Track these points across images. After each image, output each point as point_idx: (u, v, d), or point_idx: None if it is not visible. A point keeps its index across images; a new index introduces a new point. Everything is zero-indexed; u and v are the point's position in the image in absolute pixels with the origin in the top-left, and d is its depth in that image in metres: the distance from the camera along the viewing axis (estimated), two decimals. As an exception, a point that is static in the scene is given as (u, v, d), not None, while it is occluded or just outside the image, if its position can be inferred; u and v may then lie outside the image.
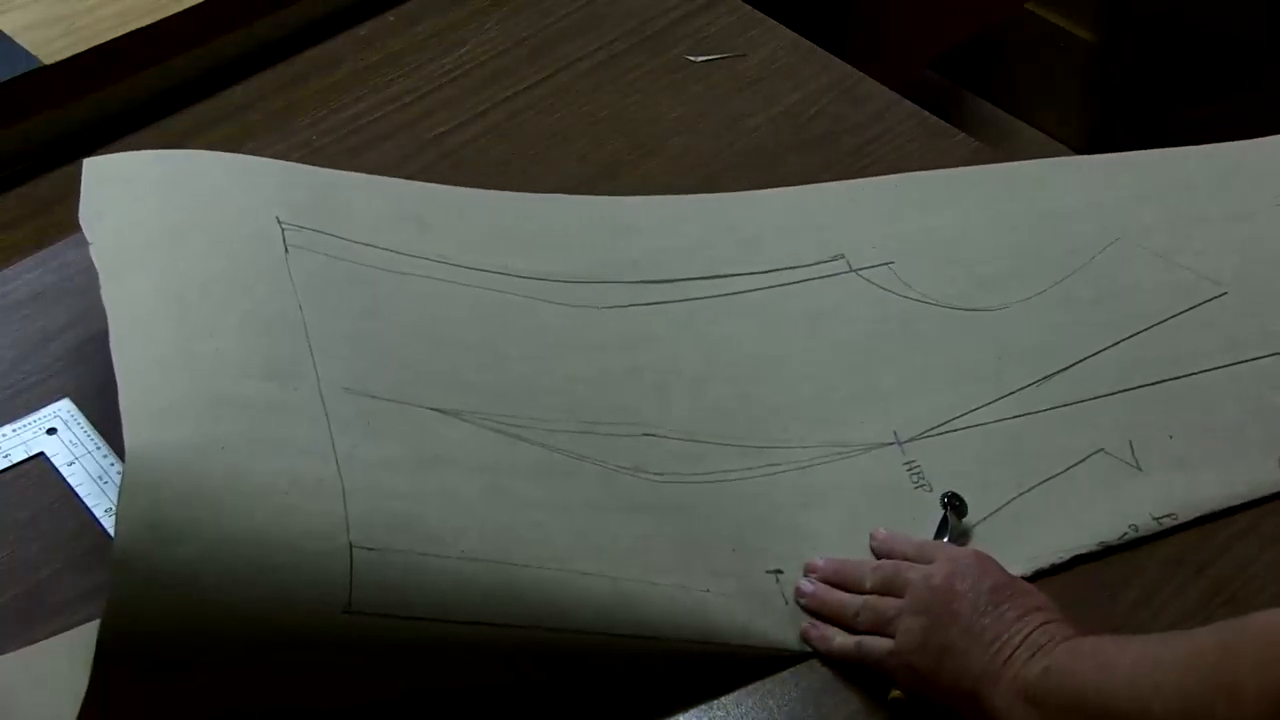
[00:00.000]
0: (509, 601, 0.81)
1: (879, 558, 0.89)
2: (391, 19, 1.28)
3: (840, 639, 0.86)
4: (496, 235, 1.05)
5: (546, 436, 0.91)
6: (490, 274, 1.01)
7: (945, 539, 0.89)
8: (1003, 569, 0.85)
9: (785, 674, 0.86)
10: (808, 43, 1.26)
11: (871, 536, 0.90)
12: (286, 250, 0.95)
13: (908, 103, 1.21)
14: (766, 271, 1.05)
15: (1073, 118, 1.17)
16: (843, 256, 1.06)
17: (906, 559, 0.87)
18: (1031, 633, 0.80)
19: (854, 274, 1.05)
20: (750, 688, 0.85)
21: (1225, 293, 1.04)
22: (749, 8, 1.29)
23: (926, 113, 1.20)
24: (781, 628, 0.87)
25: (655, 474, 0.92)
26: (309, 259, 0.96)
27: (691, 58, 1.25)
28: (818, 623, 0.87)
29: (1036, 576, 0.89)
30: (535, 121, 1.19)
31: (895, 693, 0.84)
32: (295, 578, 0.78)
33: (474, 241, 1.03)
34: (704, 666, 0.85)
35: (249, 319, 0.89)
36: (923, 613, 0.83)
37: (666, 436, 0.94)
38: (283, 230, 0.97)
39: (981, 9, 2.02)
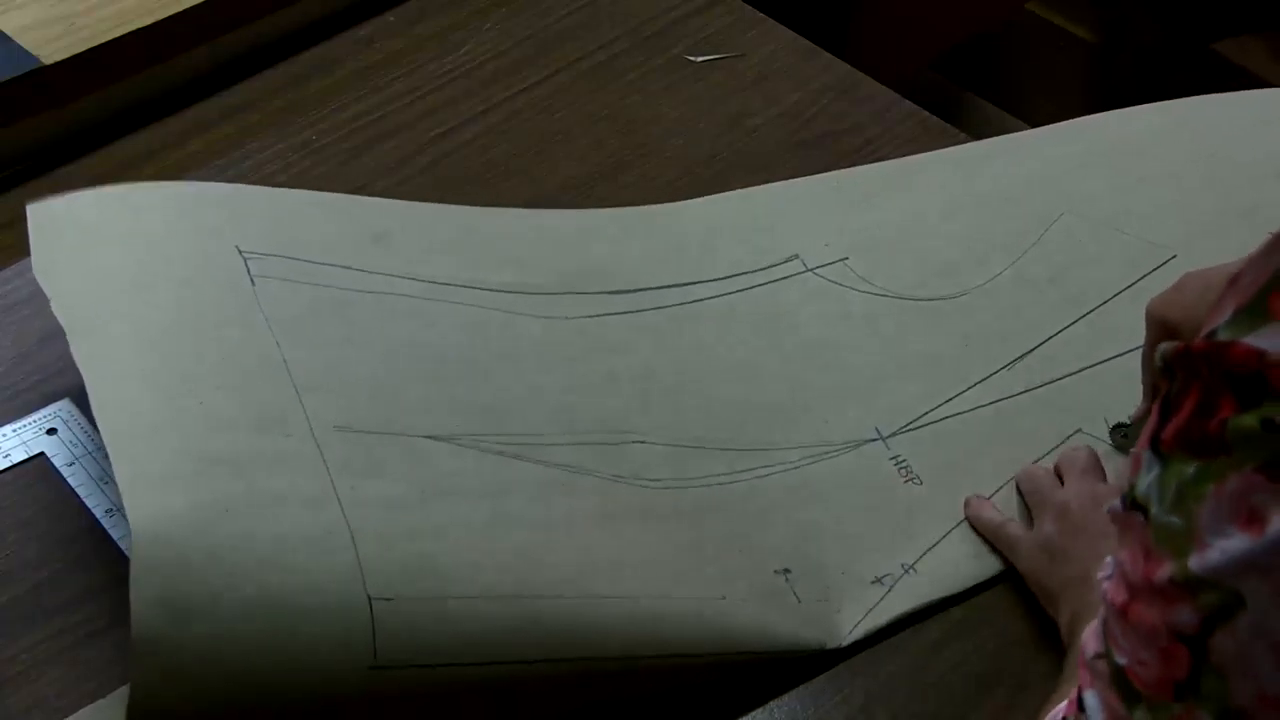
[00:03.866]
0: (533, 636, 0.80)
1: (1060, 468, 0.93)
2: (391, 19, 1.28)
3: (989, 513, 0.91)
4: (457, 248, 1.03)
5: (541, 452, 0.91)
6: (462, 288, 1.00)
7: None
8: None
9: (784, 674, 0.86)
10: (808, 43, 1.26)
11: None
12: (253, 282, 0.94)
13: (908, 103, 1.21)
14: (724, 278, 1.05)
15: (1072, 118, 1.17)
16: (797, 257, 1.07)
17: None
18: None
19: (811, 273, 1.06)
20: (749, 687, 0.85)
21: (1174, 255, 1.05)
22: (749, 8, 1.29)
23: (926, 113, 1.20)
24: (799, 626, 0.86)
25: (650, 480, 0.92)
26: (276, 288, 0.94)
27: (691, 58, 1.25)
28: (980, 497, 0.92)
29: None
30: (535, 121, 1.19)
31: None
32: (317, 638, 0.77)
33: (435, 255, 1.02)
34: (725, 679, 0.85)
35: (228, 368, 0.88)
36: (1055, 520, 0.87)
37: (655, 443, 0.94)
38: (245, 261, 0.95)
39: (981, 9, 2.02)
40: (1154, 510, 0.60)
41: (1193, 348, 0.58)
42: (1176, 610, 0.59)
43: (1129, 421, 0.94)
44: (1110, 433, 0.95)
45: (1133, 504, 0.62)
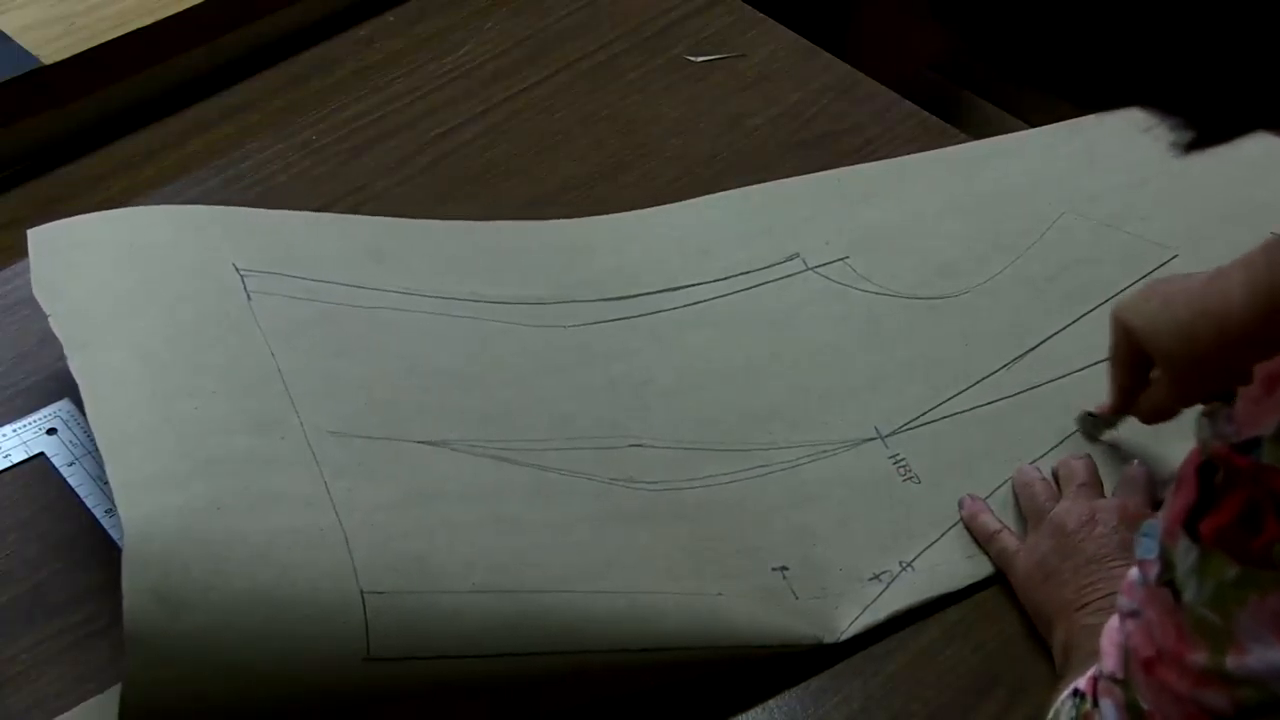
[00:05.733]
0: (527, 630, 0.80)
1: (1058, 476, 0.92)
2: (391, 19, 1.28)
3: (985, 518, 0.90)
4: (454, 264, 1.03)
5: (536, 456, 0.91)
6: (456, 301, 1.00)
7: None
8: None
9: (784, 674, 0.86)
10: (808, 43, 1.26)
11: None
12: (249, 298, 0.94)
13: (908, 103, 1.21)
14: (723, 279, 1.05)
15: (1072, 118, 1.17)
16: (798, 255, 1.07)
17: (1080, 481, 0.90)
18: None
19: (811, 272, 1.06)
20: (749, 687, 0.85)
21: (1175, 255, 1.05)
22: (749, 8, 1.29)
23: (926, 113, 1.20)
24: (795, 622, 0.86)
25: (648, 483, 0.92)
26: (272, 303, 0.94)
27: (691, 58, 1.25)
28: (975, 498, 0.92)
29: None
30: (535, 121, 1.19)
31: None
32: (311, 632, 0.77)
33: (432, 271, 1.02)
34: (720, 675, 0.85)
35: (224, 374, 0.88)
36: (1050, 537, 0.86)
37: (653, 446, 0.94)
38: (241, 278, 0.95)
39: (982, 9, 2.02)
40: (1189, 597, 0.60)
41: (1236, 462, 0.58)
42: (1209, 692, 0.60)
43: (1095, 413, 0.94)
44: (1078, 420, 0.95)
45: (1167, 582, 0.62)
